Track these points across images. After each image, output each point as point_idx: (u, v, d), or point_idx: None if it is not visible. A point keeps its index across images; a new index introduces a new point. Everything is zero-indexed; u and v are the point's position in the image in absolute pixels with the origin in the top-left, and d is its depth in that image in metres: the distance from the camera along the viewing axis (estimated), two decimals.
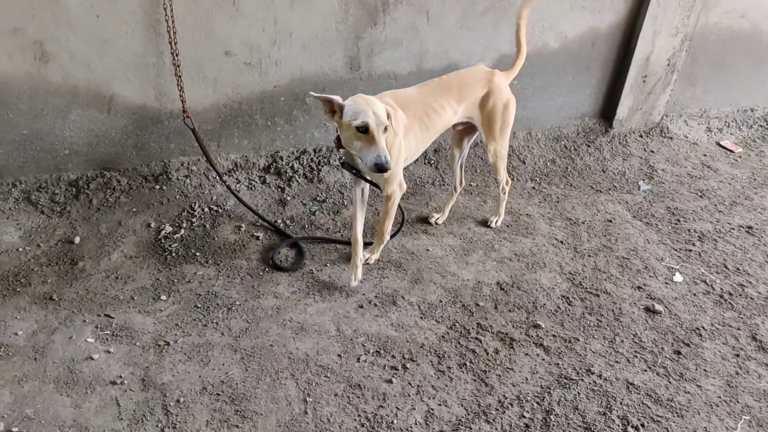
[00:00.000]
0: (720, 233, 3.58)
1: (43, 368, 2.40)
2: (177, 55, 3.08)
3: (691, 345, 2.77)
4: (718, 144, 4.69)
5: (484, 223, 3.50)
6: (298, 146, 3.74)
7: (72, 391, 2.32)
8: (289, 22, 3.32)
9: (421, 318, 2.82)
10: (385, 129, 2.44)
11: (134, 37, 3.08)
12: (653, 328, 2.85)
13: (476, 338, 2.73)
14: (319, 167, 3.72)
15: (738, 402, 2.50)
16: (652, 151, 4.46)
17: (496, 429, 2.32)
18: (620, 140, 4.48)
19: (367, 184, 2.87)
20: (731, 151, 4.61)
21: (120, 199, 3.33)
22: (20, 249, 2.99)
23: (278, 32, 3.34)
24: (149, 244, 3.12)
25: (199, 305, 2.78)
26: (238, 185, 3.55)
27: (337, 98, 2.46)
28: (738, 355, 2.73)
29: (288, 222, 3.39)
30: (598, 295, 3.03)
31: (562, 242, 3.41)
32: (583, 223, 3.61)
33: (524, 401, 2.44)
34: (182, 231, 3.22)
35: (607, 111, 4.50)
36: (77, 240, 3.08)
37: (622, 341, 2.76)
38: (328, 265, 3.11)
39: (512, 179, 3.99)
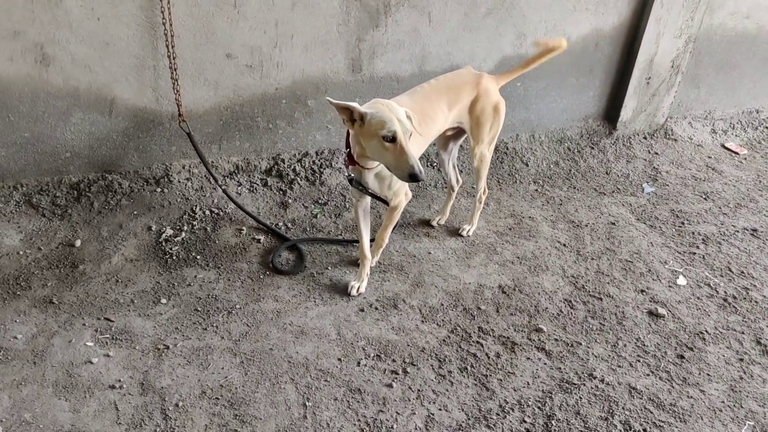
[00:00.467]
0: (724, 236, 3.55)
1: (42, 372, 2.40)
2: (174, 57, 3.08)
3: (695, 349, 2.74)
4: (723, 146, 4.66)
5: (486, 227, 3.48)
6: (300, 149, 3.73)
7: (71, 395, 2.32)
8: (290, 24, 3.32)
9: (422, 322, 2.80)
10: (410, 135, 2.35)
11: (135, 40, 3.08)
12: (656, 332, 2.82)
13: (477, 342, 2.71)
14: (321, 170, 3.71)
15: (742, 407, 2.47)
16: (656, 153, 4.43)
17: None
18: (624, 142, 4.45)
19: (369, 199, 2.81)
20: (736, 153, 4.57)
21: (121, 202, 3.32)
22: (21, 252, 2.99)
23: (279, 34, 3.33)
24: (150, 247, 3.12)
25: (199, 309, 2.77)
26: (239, 188, 3.54)
27: (356, 105, 2.32)
28: (742, 360, 2.70)
29: (289, 225, 3.38)
30: (600, 299, 3.01)
31: (564, 245, 3.39)
32: (587, 225, 3.59)
33: (525, 406, 2.42)
34: (183, 234, 3.21)
35: (610, 113, 4.47)
36: (78, 243, 3.08)
37: (625, 345, 2.74)
38: (329, 268, 3.09)
39: (515, 181, 3.97)
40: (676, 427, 2.37)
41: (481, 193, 3.30)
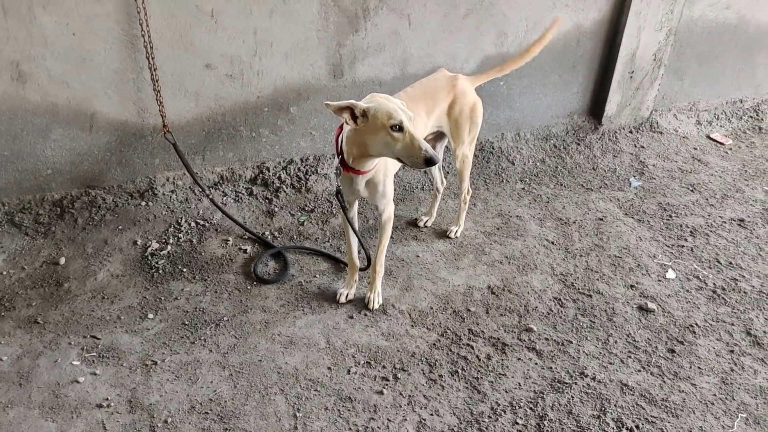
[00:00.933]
0: (712, 227, 3.55)
1: (28, 394, 2.37)
2: (155, 70, 3.06)
3: (685, 343, 2.74)
4: (708, 137, 4.67)
5: (474, 227, 3.47)
6: (285, 156, 3.71)
7: (57, 416, 2.29)
8: (269, 32, 3.30)
9: (412, 326, 2.79)
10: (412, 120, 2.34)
11: (112, 54, 3.05)
12: (647, 327, 2.82)
13: (468, 344, 2.69)
14: (307, 176, 3.69)
15: (734, 399, 2.47)
16: (643, 147, 4.43)
17: None
18: (610, 137, 4.45)
19: (355, 210, 2.82)
20: (721, 143, 4.58)
21: (105, 217, 3.30)
22: (4, 273, 2.96)
23: (258, 43, 3.31)
24: (136, 261, 3.09)
25: (187, 322, 2.75)
26: (224, 198, 3.52)
27: (357, 102, 2.26)
28: (732, 351, 2.70)
29: (276, 233, 3.36)
30: (590, 296, 3.00)
31: (553, 243, 3.38)
32: (574, 222, 3.58)
33: (517, 407, 2.41)
34: (169, 247, 3.19)
35: (595, 108, 4.47)
36: (62, 261, 3.05)
37: (616, 342, 2.73)
38: (317, 276, 3.08)
39: (501, 181, 3.96)
40: (669, 422, 2.36)
41: (465, 194, 3.29)
